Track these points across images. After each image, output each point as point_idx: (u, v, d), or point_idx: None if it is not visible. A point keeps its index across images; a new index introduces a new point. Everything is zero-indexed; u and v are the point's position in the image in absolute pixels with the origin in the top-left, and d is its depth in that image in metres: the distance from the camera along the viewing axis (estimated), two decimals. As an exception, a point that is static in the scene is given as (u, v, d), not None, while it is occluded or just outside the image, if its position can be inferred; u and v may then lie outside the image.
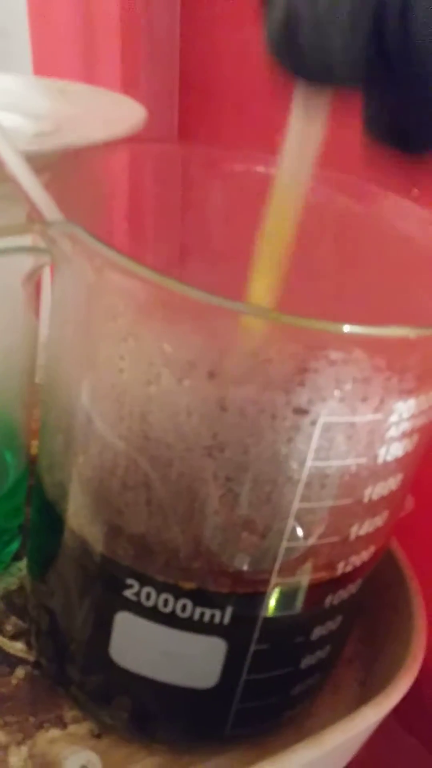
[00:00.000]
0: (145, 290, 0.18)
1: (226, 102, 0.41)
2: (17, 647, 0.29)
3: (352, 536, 0.22)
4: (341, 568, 0.23)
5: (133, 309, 0.19)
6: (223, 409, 0.19)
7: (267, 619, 0.23)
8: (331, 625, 0.24)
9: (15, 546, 0.32)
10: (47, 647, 0.27)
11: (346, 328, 0.17)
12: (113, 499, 0.22)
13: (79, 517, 0.23)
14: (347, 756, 0.26)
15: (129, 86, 0.40)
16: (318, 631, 0.24)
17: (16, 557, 0.32)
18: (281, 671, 0.24)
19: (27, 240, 0.23)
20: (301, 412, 0.19)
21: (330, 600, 0.23)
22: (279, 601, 0.22)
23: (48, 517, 0.25)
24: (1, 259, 0.23)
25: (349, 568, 0.23)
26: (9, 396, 0.28)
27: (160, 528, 0.21)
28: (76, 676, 0.26)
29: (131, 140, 0.27)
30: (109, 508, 0.22)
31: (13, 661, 0.28)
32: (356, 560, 0.23)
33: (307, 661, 0.25)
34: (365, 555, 0.23)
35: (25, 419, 0.29)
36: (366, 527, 0.22)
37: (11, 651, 0.29)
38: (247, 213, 0.26)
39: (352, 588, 0.24)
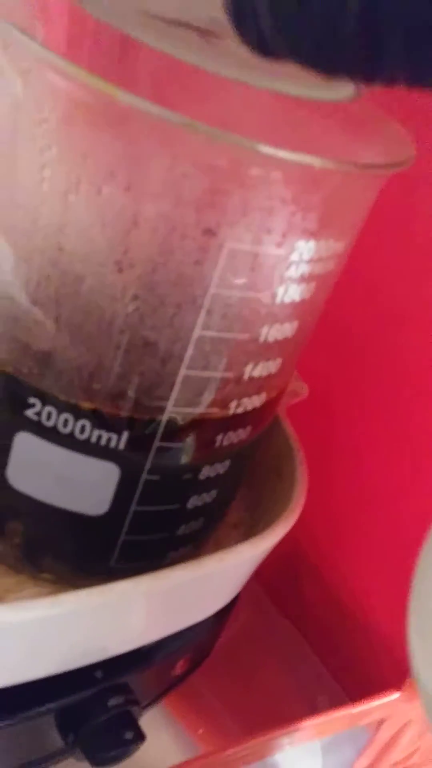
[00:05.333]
0: (71, 91, 0.19)
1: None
2: None
3: (246, 376, 0.24)
4: (233, 407, 0.24)
5: (58, 114, 0.20)
6: (136, 225, 0.20)
7: (159, 449, 0.24)
8: (219, 468, 0.26)
9: None
10: None
11: (260, 147, 0.19)
12: (22, 316, 0.23)
13: (-13, 337, 0.24)
14: (221, 590, 0.28)
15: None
16: (206, 471, 0.26)
17: None
18: (169, 506, 0.26)
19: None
20: (209, 233, 0.20)
21: (220, 440, 0.25)
22: (172, 432, 0.24)
23: None
24: None
25: (240, 410, 0.25)
26: None
27: (66, 346, 0.22)
28: (-29, 502, 0.27)
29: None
30: (18, 325, 0.23)
31: None
32: (248, 403, 0.25)
33: (193, 502, 0.26)
34: (257, 400, 0.25)
35: None
36: (260, 370, 0.24)
37: None
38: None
39: (242, 433, 0.26)
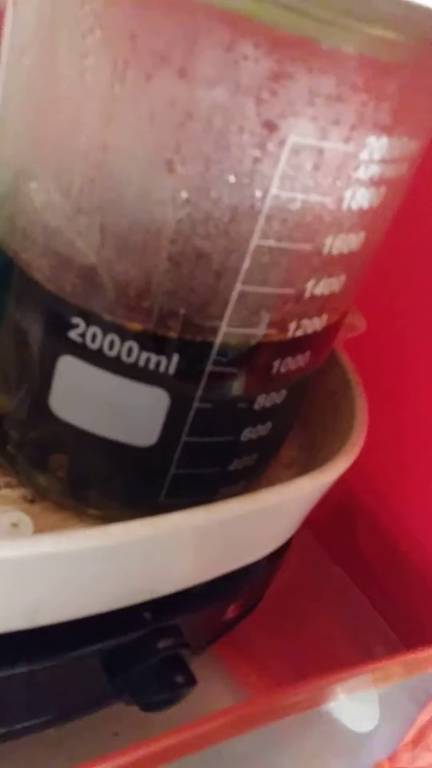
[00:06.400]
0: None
1: None
2: None
3: (307, 293, 0.22)
4: (292, 329, 0.23)
5: (103, -9, 0.18)
6: (189, 116, 0.18)
7: (212, 375, 0.22)
8: (276, 398, 0.24)
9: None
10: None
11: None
12: (64, 227, 0.21)
13: (27, 253, 0.22)
14: (277, 528, 0.26)
15: None
16: (261, 401, 0.24)
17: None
18: (221, 438, 0.24)
19: None
20: (270, 126, 0.18)
21: (278, 366, 0.23)
22: (226, 355, 0.22)
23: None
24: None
25: (299, 333, 0.23)
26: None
27: (111, 259, 0.21)
28: (14, 433, 0.25)
29: None
30: (60, 238, 0.21)
31: None
32: (308, 326, 0.23)
33: (247, 434, 0.25)
34: (317, 323, 0.23)
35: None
36: (322, 287, 0.22)
37: None
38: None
39: (301, 360, 0.24)
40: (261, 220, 0.20)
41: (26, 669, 0.24)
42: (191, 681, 0.27)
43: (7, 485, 0.26)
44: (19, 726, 0.26)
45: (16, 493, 0.26)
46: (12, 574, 0.20)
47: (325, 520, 0.38)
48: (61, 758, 0.28)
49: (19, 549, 0.19)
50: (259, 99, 0.18)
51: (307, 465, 0.31)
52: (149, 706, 0.26)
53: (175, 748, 0.22)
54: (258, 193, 0.19)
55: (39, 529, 0.25)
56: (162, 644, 0.26)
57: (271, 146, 0.19)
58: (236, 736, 0.25)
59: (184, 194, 0.19)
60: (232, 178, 0.19)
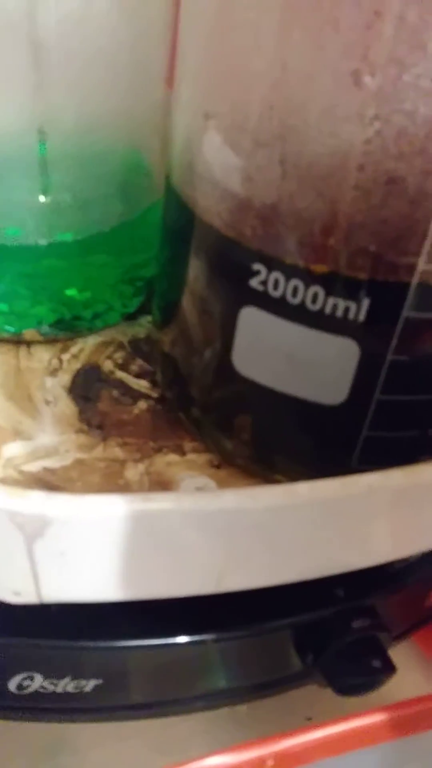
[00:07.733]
0: None
1: None
2: (141, 384, 0.28)
3: None
4: None
5: None
6: (378, 15, 0.16)
7: (408, 321, 0.20)
8: None
9: (141, 298, 0.31)
10: (169, 369, 0.26)
11: None
12: (244, 164, 0.19)
13: (206, 200, 0.21)
14: None
15: None
16: (467, 353, 0.21)
17: (143, 311, 0.31)
18: (420, 396, 0.22)
19: None
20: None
21: None
22: (424, 298, 0.20)
23: (175, 216, 0.23)
24: None
25: None
26: (140, 95, 0.26)
27: (293, 193, 0.19)
28: (198, 395, 0.25)
29: None
30: (239, 176, 0.20)
31: (136, 395, 0.27)
32: None
33: (451, 392, 0.22)
34: None
35: (158, 130, 0.27)
36: None
37: (135, 386, 0.28)
38: None
39: None
40: (464, 132, 0.17)
41: (214, 636, 0.23)
42: (389, 667, 0.24)
43: (194, 450, 0.26)
44: (206, 694, 0.25)
45: (202, 458, 0.26)
46: (193, 528, 0.19)
47: None
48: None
49: (200, 502, 0.18)
50: (460, -17, 0.15)
51: None
52: (344, 690, 0.24)
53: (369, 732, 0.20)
54: (460, 102, 0.17)
55: (224, 496, 0.24)
56: (356, 624, 0.24)
57: (474, 40, 0.16)
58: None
59: (372, 109, 0.17)
60: (428, 83, 0.17)
